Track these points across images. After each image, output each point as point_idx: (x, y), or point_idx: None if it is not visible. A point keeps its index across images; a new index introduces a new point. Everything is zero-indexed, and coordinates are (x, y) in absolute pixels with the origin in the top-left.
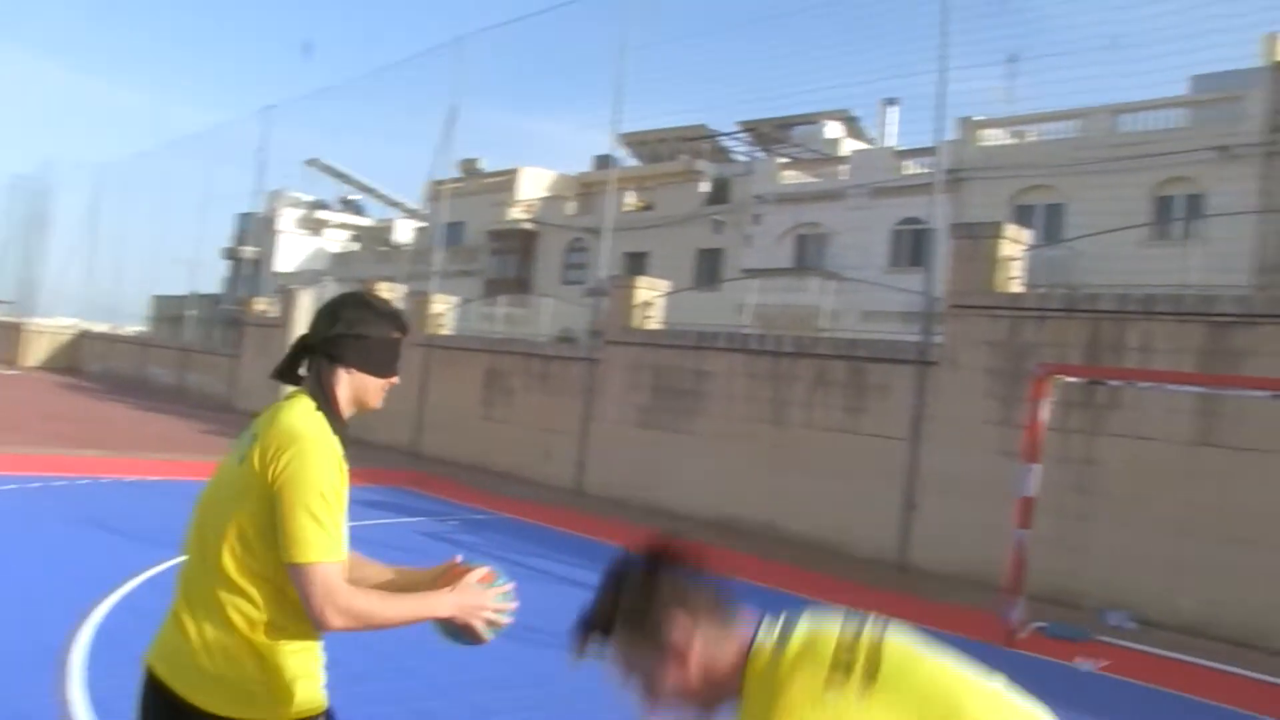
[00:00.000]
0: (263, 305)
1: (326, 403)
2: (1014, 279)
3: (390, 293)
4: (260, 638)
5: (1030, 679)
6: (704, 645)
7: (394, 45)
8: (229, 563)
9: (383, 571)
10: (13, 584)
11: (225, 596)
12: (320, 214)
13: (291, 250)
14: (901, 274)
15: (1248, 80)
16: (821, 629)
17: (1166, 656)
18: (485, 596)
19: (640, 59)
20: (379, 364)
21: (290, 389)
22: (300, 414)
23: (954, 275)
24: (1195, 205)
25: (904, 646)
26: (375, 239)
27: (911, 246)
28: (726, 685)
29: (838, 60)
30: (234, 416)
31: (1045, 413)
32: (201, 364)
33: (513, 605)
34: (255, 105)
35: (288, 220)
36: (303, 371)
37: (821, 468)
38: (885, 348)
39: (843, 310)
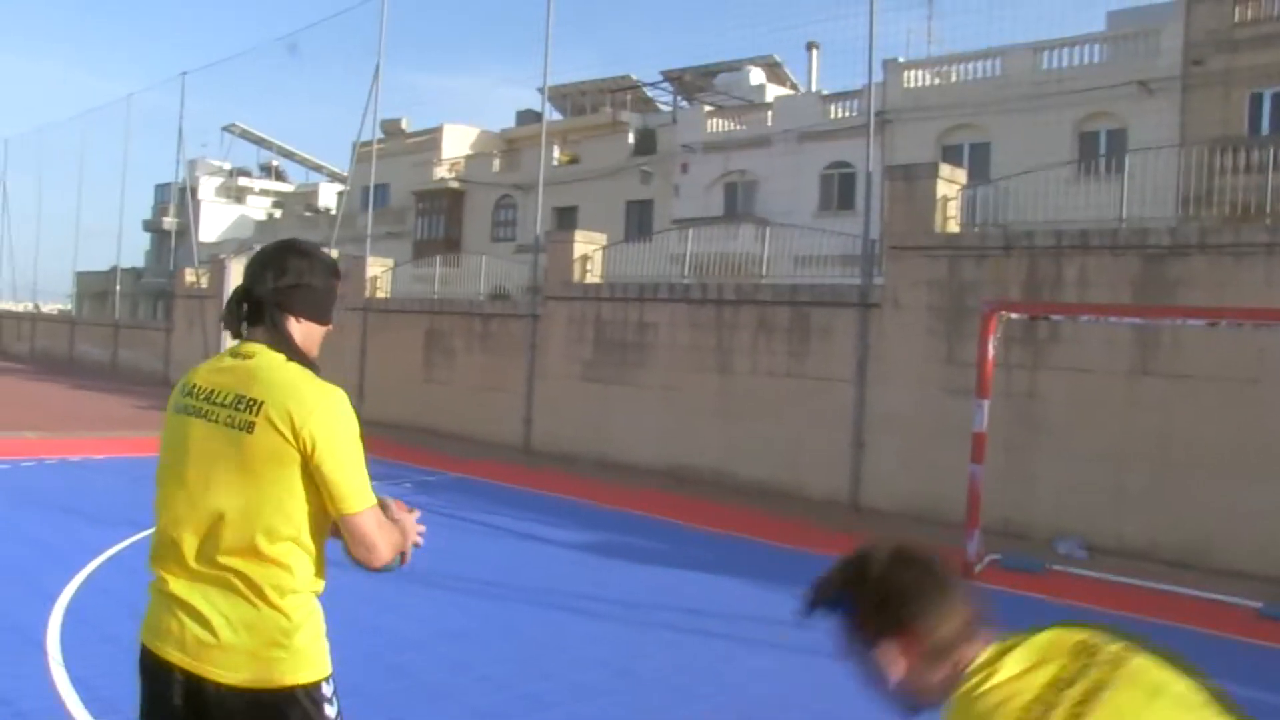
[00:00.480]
0: (193, 277)
1: (298, 354)
2: (951, 219)
3: None
4: (289, 604)
5: (992, 611)
6: (927, 650)
7: (313, 5)
8: (261, 536)
9: None
10: None
11: (254, 569)
12: (242, 181)
13: (214, 219)
14: (832, 218)
15: (1162, 15)
16: (1049, 655)
17: (1115, 581)
18: (415, 525)
19: (562, 10)
20: (324, 311)
21: (237, 343)
22: (293, 371)
23: (891, 217)
24: (1118, 140)
25: (1134, 691)
26: (299, 204)
27: (840, 190)
28: (938, 692)
29: (757, 6)
30: (170, 391)
31: (993, 349)
32: (133, 339)
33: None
34: (169, 73)
35: (208, 189)
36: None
37: (769, 413)
38: (827, 292)
39: (776, 256)
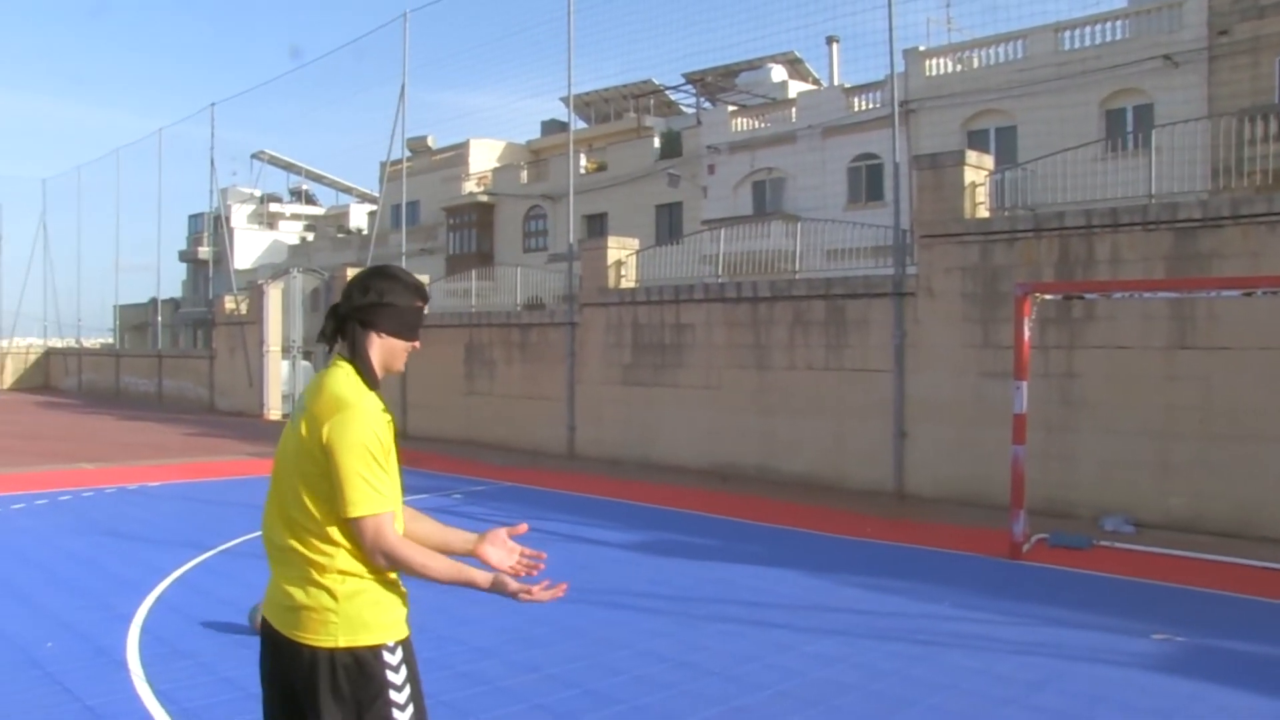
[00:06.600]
0: (232, 304)
1: (362, 363)
2: (980, 204)
3: None
4: (328, 579)
5: (1041, 587)
6: None
7: (332, 31)
8: (287, 523)
9: (434, 530)
10: (52, 596)
11: (295, 545)
12: (273, 207)
13: (248, 246)
14: (860, 210)
15: None
16: None
17: (1163, 554)
18: (510, 559)
19: (581, 19)
20: (405, 328)
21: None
22: (340, 380)
23: (921, 206)
24: (1145, 116)
25: None
26: (331, 226)
27: (869, 182)
28: None
29: (775, 3)
30: (216, 417)
31: (1029, 330)
32: (177, 369)
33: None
34: (198, 105)
35: (240, 216)
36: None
37: (809, 406)
38: (861, 283)
39: (807, 251)
